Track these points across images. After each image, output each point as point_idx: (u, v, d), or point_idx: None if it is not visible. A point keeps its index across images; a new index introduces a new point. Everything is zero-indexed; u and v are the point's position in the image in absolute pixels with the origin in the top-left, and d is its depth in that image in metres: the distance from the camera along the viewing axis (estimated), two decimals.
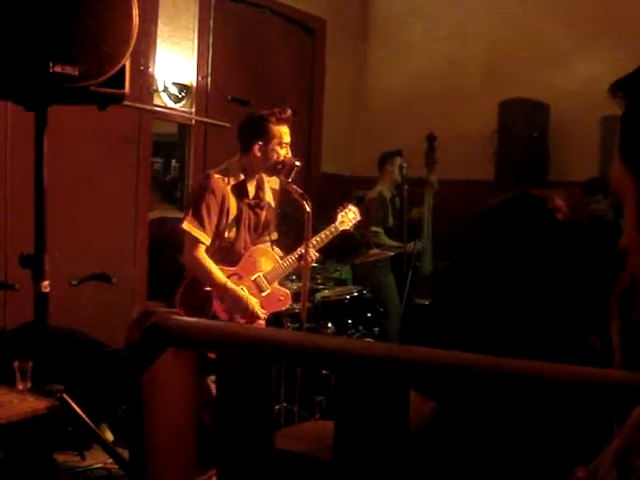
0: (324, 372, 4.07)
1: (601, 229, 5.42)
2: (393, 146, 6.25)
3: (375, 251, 5.71)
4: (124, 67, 2.69)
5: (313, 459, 2.32)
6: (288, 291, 3.89)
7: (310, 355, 1.32)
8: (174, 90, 5.42)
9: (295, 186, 3.59)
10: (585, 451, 1.53)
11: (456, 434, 1.90)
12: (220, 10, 5.79)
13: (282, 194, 3.92)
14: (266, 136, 3.60)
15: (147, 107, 5.18)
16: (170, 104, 5.44)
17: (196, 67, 5.64)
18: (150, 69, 5.22)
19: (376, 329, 5.10)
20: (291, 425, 3.64)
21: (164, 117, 5.48)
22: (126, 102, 2.88)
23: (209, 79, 5.73)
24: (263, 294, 3.72)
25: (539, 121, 6.26)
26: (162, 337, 1.37)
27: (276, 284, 3.80)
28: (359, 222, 4.13)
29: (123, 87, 2.73)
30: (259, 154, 3.61)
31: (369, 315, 5.09)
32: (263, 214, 3.79)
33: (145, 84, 5.17)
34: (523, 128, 6.19)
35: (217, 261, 3.61)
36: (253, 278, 3.69)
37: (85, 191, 4.75)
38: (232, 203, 3.62)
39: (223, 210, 3.58)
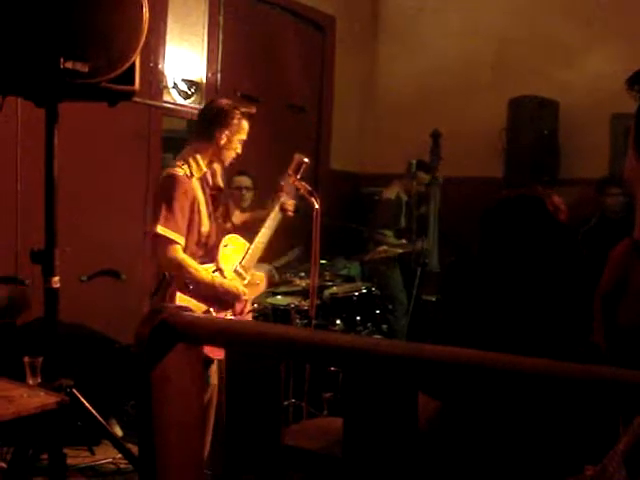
0: (332, 369, 4.08)
1: (612, 226, 5.41)
2: (402, 143, 6.26)
3: (384, 248, 5.73)
4: (134, 63, 2.69)
5: (321, 455, 2.33)
6: (263, 274, 3.81)
7: (319, 352, 1.33)
8: (184, 86, 5.44)
9: (304, 183, 3.58)
10: (594, 449, 1.53)
11: (460, 433, 1.91)
12: (230, 7, 5.79)
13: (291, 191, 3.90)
14: (232, 126, 3.52)
15: (157, 103, 5.19)
16: (180, 100, 5.45)
17: (206, 64, 5.65)
18: (160, 66, 5.23)
19: (384, 326, 5.11)
20: (299, 421, 3.65)
21: (174, 113, 5.49)
22: (136, 98, 2.89)
23: (219, 76, 5.74)
24: (244, 282, 3.64)
25: (549, 118, 6.25)
26: (172, 333, 1.37)
27: (252, 269, 3.72)
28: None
29: (133, 83, 2.73)
30: (223, 143, 3.52)
31: (377, 312, 5.09)
32: (221, 201, 3.74)
33: (155, 80, 5.18)
34: (533, 125, 6.18)
35: (198, 258, 3.52)
36: (233, 270, 3.62)
37: (95, 187, 4.76)
38: (201, 198, 3.53)
39: (194, 208, 3.48)
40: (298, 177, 3.57)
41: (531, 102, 6.19)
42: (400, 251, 5.79)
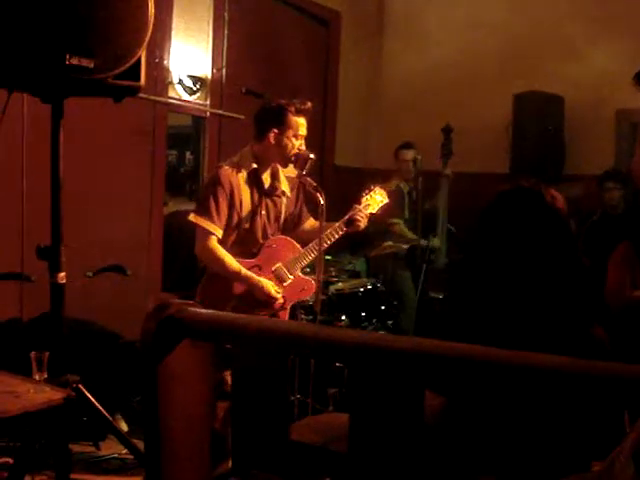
0: (337, 364, 4.08)
1: (613, 222, 5.40)
2: (407, 138, 6.25)
3: (389, 243, 5.71)
4: (140, 59, 2.69)
5: (327, 450, 2.33)
6: (312, 280, 3.78)
7: (325, 348, 1.33)
8: (189, 82, 5.43)
9: (309, 179, 3.58)
10: (600, 446, 1.53)
11: (465, 428, 1.91)
12: (235, 2, 5.79)
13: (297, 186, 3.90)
14: (283, 125, 3.56)
15: (162, 99, 5.19)
16: (185, 96, 5.45)
17: (211, 59, 5.65)
18: (165, 61, 5.23)
19: (390, 322, 5.11)
20: (305, 417, 3.65)
21: (179, 109, 5.50)
22: (141, 94, 2.88)
23: (224, 71, 5.74)
24: (285, 284, 3.68)
25: (554, 114, 6.23)
26: (178, 329, 1.37)
27: (299, 273, 3.75)
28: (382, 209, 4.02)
29: (139, 79, 2.73)
30: (273, 142, 3.57)
31: (383, 308, 5.09)
32: (282, 204, 3.76)
33: (160, 76, 5.18)
34: (538, 121, 6.17)
35: (237, 254, 3.57)
36: (273, 269, 3.67)
37: (100, 183, 4.77)
38: (245, 193, 3.59)
39: (234, 201, 3.54)
40: (304, 173, 3.58)
41: (536, 98, 6.18)
42: (406, 247, 5.78)
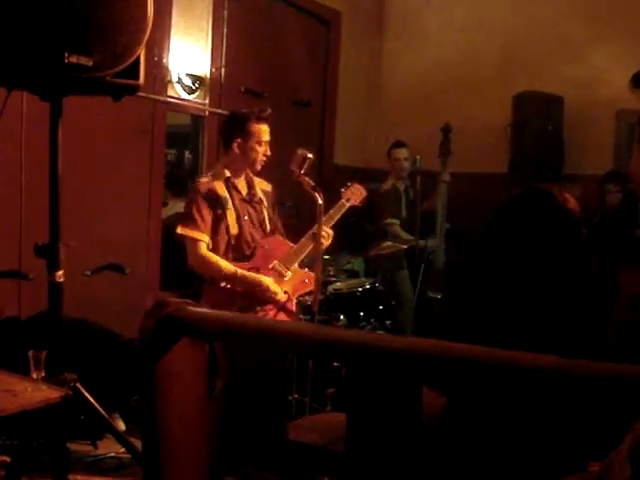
0: (335, 364, 4.08)
1: (614, 223, 5.39)
2: (407, 138, 6.26)
3: (388, 244, 5.71)
4: (139, 58, 2.69)
5: (325, 450, 2.33)
6: (311, 272, 3.85)
7: (322, 347, 1.32)
8: (188, 81, 5.42)
9: (307, 178, 3.61)
10: (599, 446, 1.53)
11: (466, 429, 1.91)
12: (235, 1, 5.78)
13: (294, 186, 3.92)
14: (245, 134, 3.69)
15: (161, 98, 5.19)
16: (184, 95, 5.44)
17: (210, 58, 5.64)
18: (164, 60, 5.22)
19: (388, 322, 5.11)
20: (302, 417, 3.66)
21: (178, 108, 5.49)
22: (140, 93, 2.88)
23: (223, 70, 5.73)
24: (285, 279, 3.77)
25: (553, 114, 6.23)
26: (176, 327, 1.37)
27: (296, 267, 3.83)
28: (365, 203, 4.15)
29: (138, 78, 2.73)
30: (238, 151, 3.72)
31: (381, 307, 5.09)
32: (263, 209, 3.85)
33: (159, 75, 5.18)
34: (537, 121, 6.16)
35: (232, 259, 3.69)
36: (271, 266, 3.72)
37: (99, 182, 4.76)
38: (226, 201, 3.70)
39: (217, 210, 3.66)
40: (302, 172, 3.61)
41: (536, 98, 6.18)
42: (404, 247, 5.78)
